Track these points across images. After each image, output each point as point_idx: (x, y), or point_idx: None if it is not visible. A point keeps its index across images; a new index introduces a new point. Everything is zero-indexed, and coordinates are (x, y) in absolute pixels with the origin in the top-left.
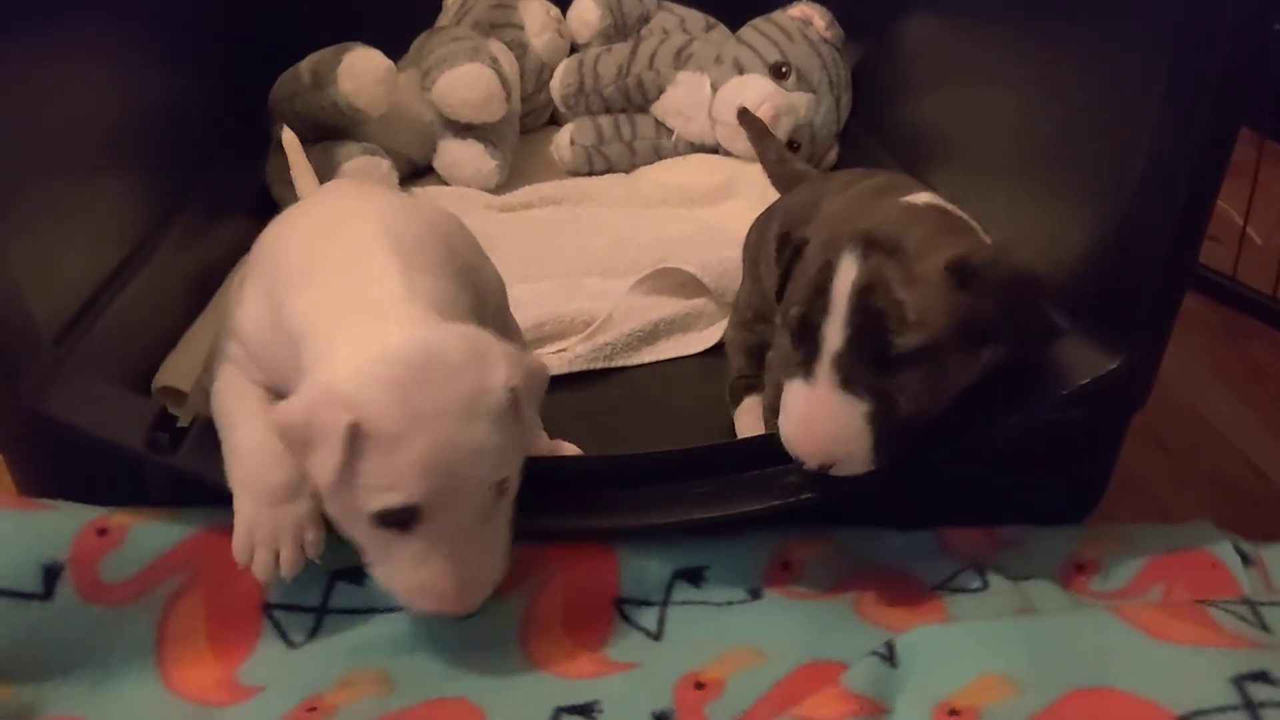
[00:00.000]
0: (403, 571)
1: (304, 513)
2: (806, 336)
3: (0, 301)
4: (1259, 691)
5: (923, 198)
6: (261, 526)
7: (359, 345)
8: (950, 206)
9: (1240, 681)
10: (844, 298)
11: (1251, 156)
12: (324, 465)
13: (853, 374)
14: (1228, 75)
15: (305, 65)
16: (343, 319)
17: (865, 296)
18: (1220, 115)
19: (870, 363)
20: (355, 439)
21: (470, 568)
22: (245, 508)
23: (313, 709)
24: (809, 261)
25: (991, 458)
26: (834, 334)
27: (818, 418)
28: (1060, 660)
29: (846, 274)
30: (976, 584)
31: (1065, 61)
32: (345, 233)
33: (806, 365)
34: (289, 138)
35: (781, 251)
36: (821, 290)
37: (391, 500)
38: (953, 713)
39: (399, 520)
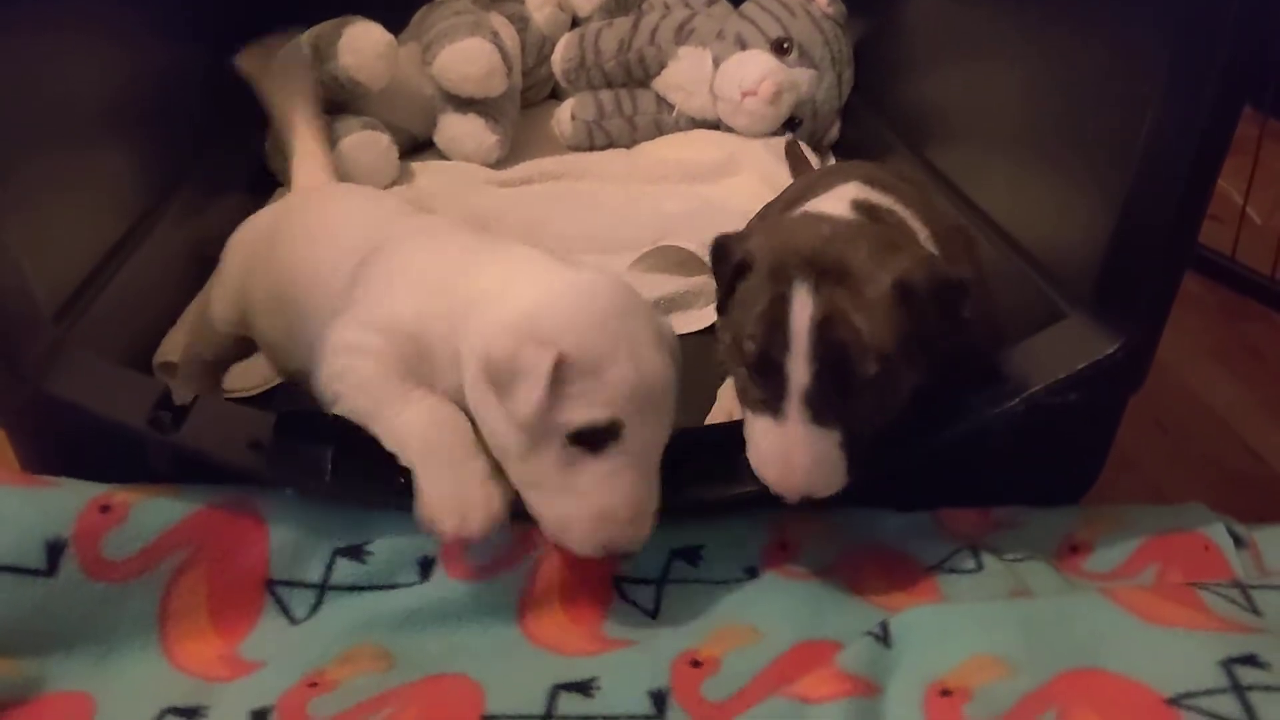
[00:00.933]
0: (587, 495)
1: (485, 468)
2: (769, 374)
3: (1, 279)
4: (1247, 675)
5: (849, 192)
6: (448, 490)
7: (534, 286)
8: (876, 197)
9: (1229, 664)
10: (804, 333)
11: (1252, 134)
12: (528, 399)
13: (822, 408)
14: (1233, 52)
15: (305, 39)
16: (506, 277)
17: (826, 329)
18: (1224, 92)
19: (837, 393)
20: (558, 368)
21: (648, 498)
22: (431, 474)
23: (314, 684)
24: (755, 289)
25: (990, 440)
26: (799, 370)
27: (795, 457)
28: (1052, 642)
29: (803, 308)
30: (971, 565)
31: (1068, 37)
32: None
33: (773, 403)
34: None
35: (719, 264)
36: (778, 326)
37: (599, 415)
38: (945, 693)
39: (596, 438)
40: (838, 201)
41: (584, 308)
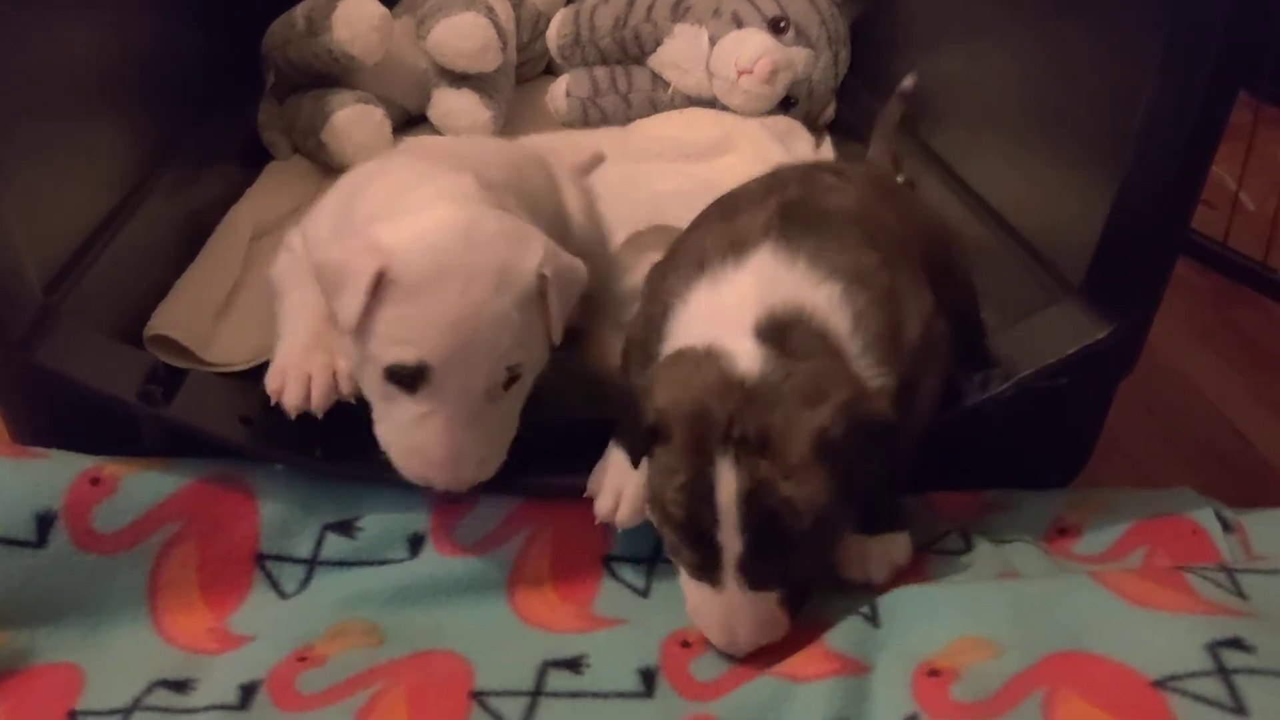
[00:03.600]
0: (401, 431)
1: (327, 359)
2: (700, 543)
3: None
4: (1233, 658)
5: (750, 305)
6: (295, 363)
7: (399, 211)
8: (784, 301)
9: (1215, 648)
10: (731, 506)
11: (1246, 120)
12: (348, 307)
13: (760, 573)
14: (1228, 36)
15: (299, 11)
16: (390, 200)
17: (753, 502)
18: (1219, 77)
19: (774, 554)
20: (381, 286)
21: (466, 443)
22: (282, 349)
23: (303, 659)
24: (673, 459)
25: (982, 424)
26: (731, 541)
27: (738, 622)
28: (1040, 624)
29: (727, 484)
30: (960, 546)
31: (1064, 20)
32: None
33: (708, 570)
34: None
35: (629, 417)
36: (703, 499)
37: (405, 356)
38: (933, 673)
39: (408, 378)
40: (741, 329)
41: (425, 236)
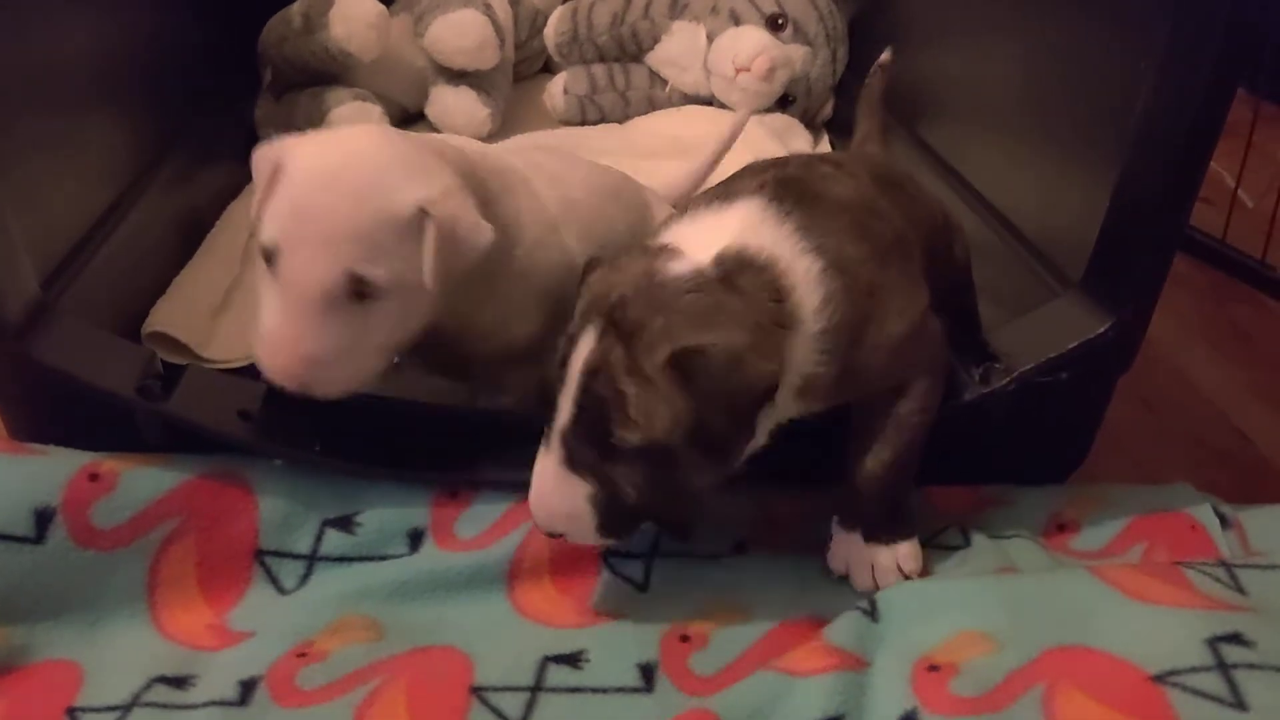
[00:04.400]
0: (262, 315)
1: None
2: (548, 404)
3: None
4: (1232, 653)
5: (731, 225)
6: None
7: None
8: (759, 239)
9: (1214, 643)
10: (574, 376)
11: (1245, 117)
12: (256, 196)
13: (576, 454)
14: (1228, 32)
15: (296, 8)
16: None
17: (591, 380)
18: (1219, 73)
19: (594, 447)
20: (275, 178)
21: (295, 333)
22: None
23: (303, 654)
24: (576, 315)
25: (981, 419)
26: (564, 409)
27: (543, 490)
28: (1039, 618)
29: (581, 352)
30: (958, 541)
31: (1063, 16)
32: None
33: (546, 431)
34: None
35: (580, 283)
36: (563, 361)
37: (267, 233)
38: (933, 668)
39: (269, 260)
40: (707, 241)
41: (327, 141)
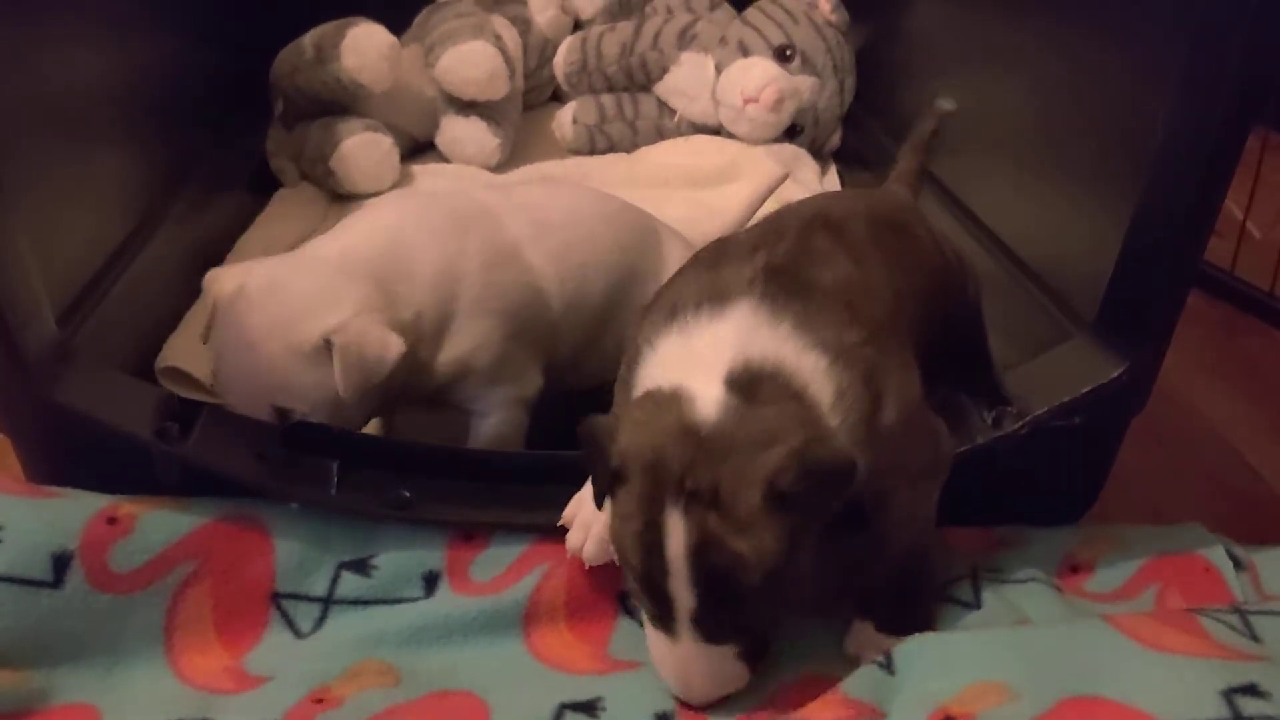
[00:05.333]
0: None
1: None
2: (655, 594)
3: (8, 283)
4: (1248, 705)
5: (726, 347)
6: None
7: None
8: (760, 351)
9: (1230, 694)
10: (681, 560)
11: (1254, 148)
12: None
13: (713, 626)
14: (1244, 73)
15: (308, 40)
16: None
17: (702, 556)
18: (1235, 112)
19: (727, 608)
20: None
21: None
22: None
23: (319, 700)
24: (630, 505)
25: (994, 462)
26: (683, 594)
27: (693, 674)
28: (1054, 668)
29: (676, 536)
30: (969, 598)
31: (1076, 52)
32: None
33: (664, 620)
34: None
35: (592, 456)
36: (655, 551)
37: (212, 368)
38: (949, 718)
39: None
40: (710, 362)
41: (244, 273)
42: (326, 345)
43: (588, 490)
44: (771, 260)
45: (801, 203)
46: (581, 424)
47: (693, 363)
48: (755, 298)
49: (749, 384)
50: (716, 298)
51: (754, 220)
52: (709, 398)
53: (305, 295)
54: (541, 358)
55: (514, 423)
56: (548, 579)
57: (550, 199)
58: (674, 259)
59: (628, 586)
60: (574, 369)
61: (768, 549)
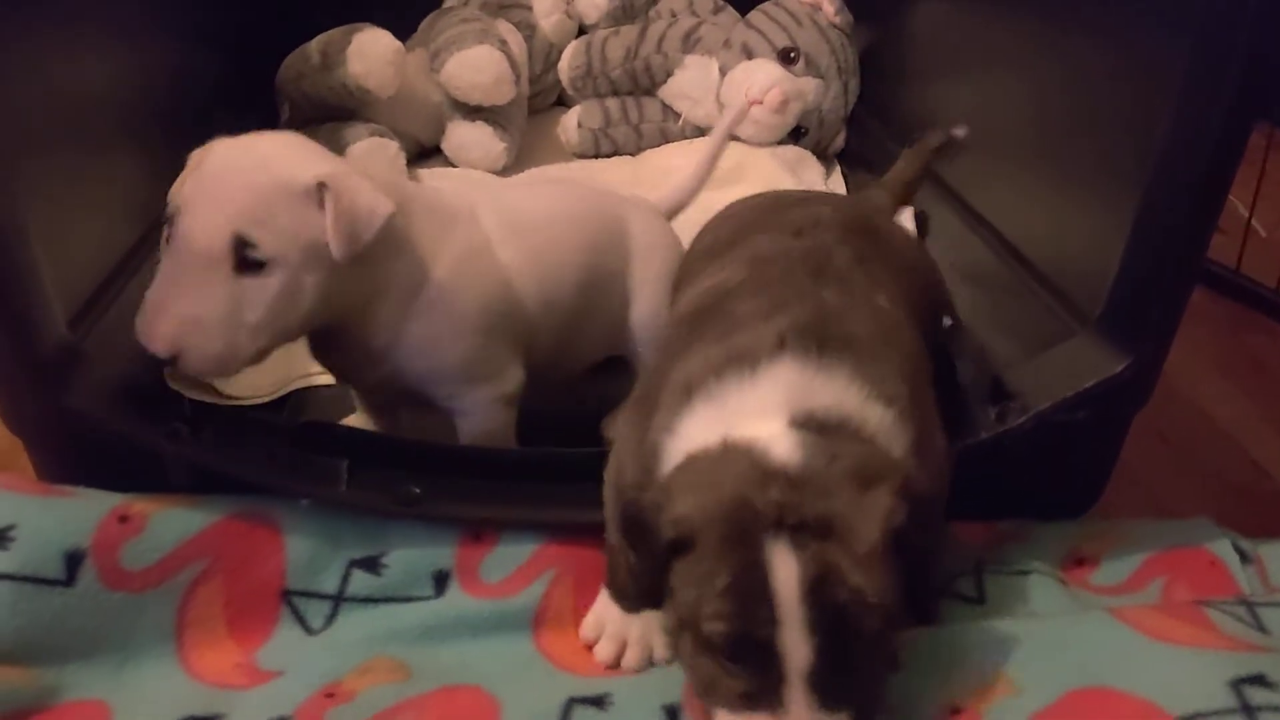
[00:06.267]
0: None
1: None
2: (754, 659)
3: (20, 287)
4: (1256, 695)
5: (778, 397)
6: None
7: None
8: (815, 394)
9: (1238, 685)
10: (794, 600)
11: (1258, 146)
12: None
13: (832, 689)
14: (1246, 71)
15: (314, 46)
16: None
17: (822, 593)
18: (1238, 109)
19: (846, 663)
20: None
21: (170, 296)
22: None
23: (331, 695)
24: (705, 564)
25: (998, 456)
26: (797, 647)
27: None
28: (1060, 660)
29: (787, 571)
30: (972, 593)
31: (1079, 51)
32: None
33: (765, 695)
34: None
35: (638, 541)
36: (755, 597)
37: (171, 205)
38: (955, 711)
39: (168, 226)
40: (769, 419)
41: (248, 135)
42: (319, 189)
43: (602, 606)
44: (795, 323)
45: (773, 240)
46: (624, 511)
47: (741, 418)
48: (796, 354)
49: (820, 429)
50: (742, 362)
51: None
52: (780, 439)
53: (303, 149)
54: (521, 354)
55: (498, 420)
56: (556, 584)
57: (528, 200)
58: (643, 244)
59: (695, 682)
60: (554, 365)
61: (888, 589)
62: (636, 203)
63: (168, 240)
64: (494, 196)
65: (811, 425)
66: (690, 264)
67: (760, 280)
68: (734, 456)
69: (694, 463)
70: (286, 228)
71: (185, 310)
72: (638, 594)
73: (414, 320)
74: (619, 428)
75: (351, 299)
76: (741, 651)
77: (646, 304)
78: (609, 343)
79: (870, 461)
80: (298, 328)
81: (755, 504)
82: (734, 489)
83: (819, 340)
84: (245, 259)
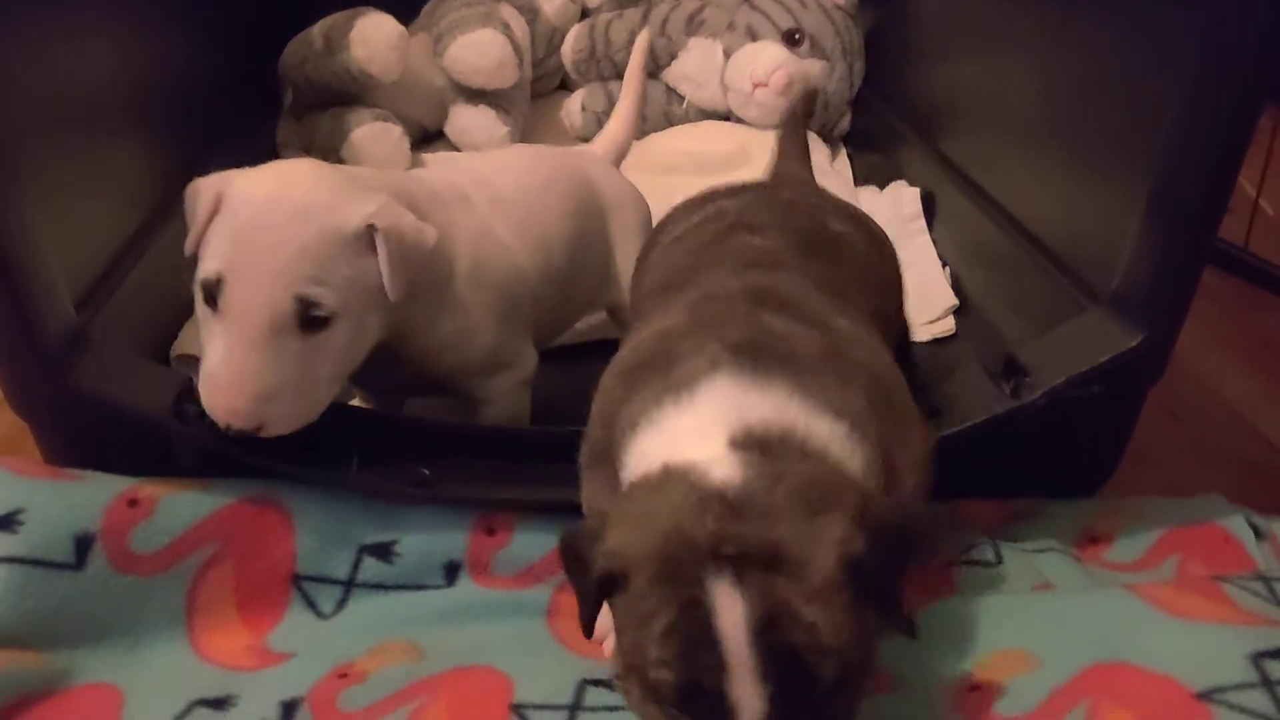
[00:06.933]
0: (206, 356)
1: None
2: (704, 707)
3: (26, 270)
4: (1277, 669)
5: (718, 412)
6: None
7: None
8: (756, 409)
9: (1258, 659)
10: (742, 645)
11: (1265, 125)
12: (192, 228)
13: None
14: (1262, 42)
15: (317, 30)
16: None
17: (772, 633)
18: (1251, 84)
19: (803, 708)
20: (216, 209)
21: (246, 369)
22: None
23: (344, 675)
24: (643, 602)
25: (1011, 432)
26: (748, 696)
27: None
28: (1079, 635)
29: (731, 611)
30: (990, 557)
31: (1089, 27)
32: None
33: None
34: None
35: (574, 575)
36: (699, 641)
37: (209, 267)
38: (974, 687)
39: (210, 295)
40: (706, 438)
41: (269, 171)
42: (368, 231)
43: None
44: (728, 342)
45: (721, 278)
46: (561, 540)
47: (678, 442)
48: (730, 371)
49: (762, 446)
50: (679, 388)
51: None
52: (718, 460)
53: (337, 186)
54: (530, 334)
55: (521, 404)
56: (566, 588)
57: (502, 175)
58: (612, 198)
59: None
60: (548, 335)
61: (844, 626)
62: (591, 157)
63: (209, 303)
64: (470, 175)
65: (752, 443)
66: (643, 290)
67: (701, 319)
68: (671, 482)
69: (633, 491)
70: (345, 278)
71: (263, 386)
72: (585, 627)
73: (444, 318)
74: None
75: (396, 318)
76: (690, 703)
77: (631, 253)
78: (594, 301)
79: (820, 479)
80: (361, 362)
81: (691, 534)
82: (669, 518)
83: (753, 357)
84: (310, 318)
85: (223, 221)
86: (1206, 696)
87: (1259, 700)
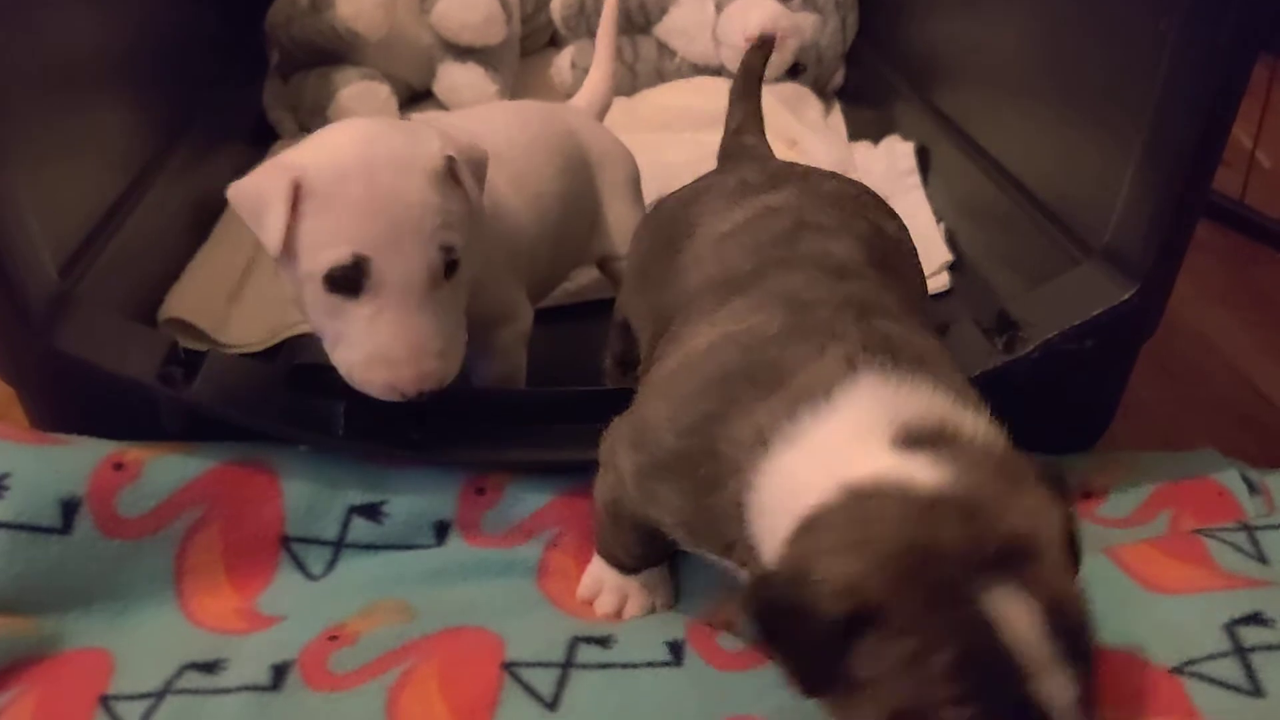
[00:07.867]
0: (357, 344)
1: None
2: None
3: (8, 234)
4: (1250, 635)
5: (875, 410)
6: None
7: (315, 136)
8: (911, 402)
9: (1233, 626)
10: (1041, 643)
11: (1262, 77)
12: (273, 228)
13: (1090, 709)
14: None
15: None
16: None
17: (1061, 619)
18: (1242, 34)
19: (1093, 690)
20: (298, 199)
21: (423, 333)
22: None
23: (334, 637)
24: (906, 637)
25: (1004, 387)
26: (1058, 688)
27: None
28: None
29: (1021, 616)
30: None
31: None
32: None
33: None
34: None
35: (780, 630)
36: (995, 662)
37: (339, 255)
38: None
39: (348, 280)
40: (868, 445)
41: (325, 145)
42: (447, 163)
43: (598, 568)
44: (857, 345)
45: (810, 281)
46: (748, 606)
47: (836, 454)
48: (871, 372)
49: (931, 442)
50: (812, 397)
51: None
52: (908, 464)
53: (401, 134)
54: (525, 288)
55: (520, 359)
56: (554, 546)
57: (493, 135)
58: (598, 151)
59: None
60: (537, 296)
61: (1080, 591)
62: (574, 111)
63: (341, 290)
64: (464, 133)
65: (920, 441)
66: (689, 285)
67: (803, 326)
68: (874, 500)
69: (824, 518)
70: (459, 215)
71: (440, 342)
72: (812, 688)
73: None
74: (615, 445)
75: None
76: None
77: (619, 206)
78: (583, 255)
79: (1003, 461)
80: None
81: (938, 548)
82: (898, 538)
83: (890, 356)
84: (450, 263)
85: (320, 205)
86: (1179, 670)
87: (1230, 669)
